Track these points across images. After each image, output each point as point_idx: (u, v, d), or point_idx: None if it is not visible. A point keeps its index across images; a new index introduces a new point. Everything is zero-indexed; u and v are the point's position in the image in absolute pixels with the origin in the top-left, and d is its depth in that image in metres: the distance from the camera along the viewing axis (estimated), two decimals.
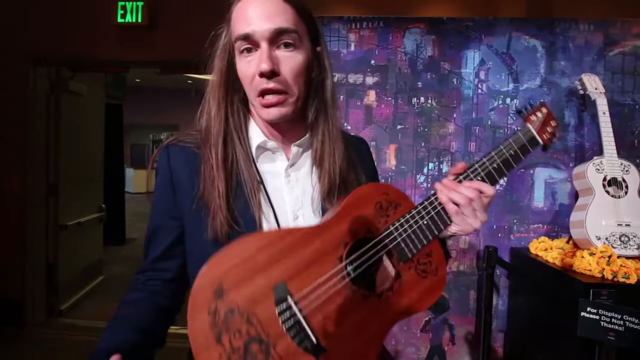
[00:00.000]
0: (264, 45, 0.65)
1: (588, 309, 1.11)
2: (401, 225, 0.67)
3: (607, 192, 1.49)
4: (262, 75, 0.65)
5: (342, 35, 1.92)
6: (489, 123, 1.87)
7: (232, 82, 0.72)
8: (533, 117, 0.79)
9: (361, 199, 0.67)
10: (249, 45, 0.66)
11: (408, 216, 0.68)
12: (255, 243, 0.60)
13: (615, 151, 1.54)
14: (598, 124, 1.59)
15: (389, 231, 0.67)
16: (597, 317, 1.10)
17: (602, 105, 1.60)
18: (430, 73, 1.89)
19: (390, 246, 0.67)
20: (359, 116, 1.92)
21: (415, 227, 0.68)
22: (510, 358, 1.82)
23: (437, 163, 1.89)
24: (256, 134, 0.74)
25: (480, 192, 0.67)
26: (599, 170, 1.53)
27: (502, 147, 0.73)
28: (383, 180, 1.91)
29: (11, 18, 2.90)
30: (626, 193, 1.49)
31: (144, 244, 0.77)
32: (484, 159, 0.72)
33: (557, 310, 1.44)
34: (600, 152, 1.58)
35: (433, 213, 0.69)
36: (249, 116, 0.75)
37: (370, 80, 1.91)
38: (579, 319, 1.11)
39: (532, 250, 1.69)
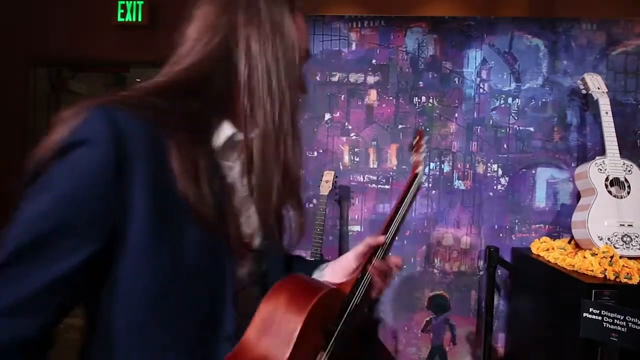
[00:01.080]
0: None
1: (590, 309, 1.10)
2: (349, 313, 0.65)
3: (610, 192, 1.49)
4: (306, 92, 0.67)
5: (343, 35, 1.91)
6: (491, 123, 1.86)
7: None
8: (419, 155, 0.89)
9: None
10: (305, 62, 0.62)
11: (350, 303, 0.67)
12: None
13: (618, 151, 1.54)
14: (600, 123, 1.58)
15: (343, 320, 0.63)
16: (600, 318, 1.09)
17: (605, 105, 1.59)
18: (432, 72, 1.88)
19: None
20: (360, 116, 1.91)
21: (355, 310, 0.67)
22: (512, 359, 1.81)
23: (438, 163, 1.88)
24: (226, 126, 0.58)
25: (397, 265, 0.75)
26: (601, 170, 1.52)
27: (406, 201, 0.82)
28: (384, 181, 1.90)
29: (11, 18, 2.89)
30: (628, 193, 1.48)
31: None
32: (395, 223, 0.82)
33: (558, 310, 1.43)
34: (602, 152, 1.57)
35: (363, 293, 0.70)
36: None
37: (371, 79, 1.91)
38: (581, 320, 1.10)
39: (534, 250, 1.68)
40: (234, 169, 0.58)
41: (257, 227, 0.63)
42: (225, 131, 0.56)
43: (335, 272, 0.76)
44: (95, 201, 0.46)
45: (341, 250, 1.91)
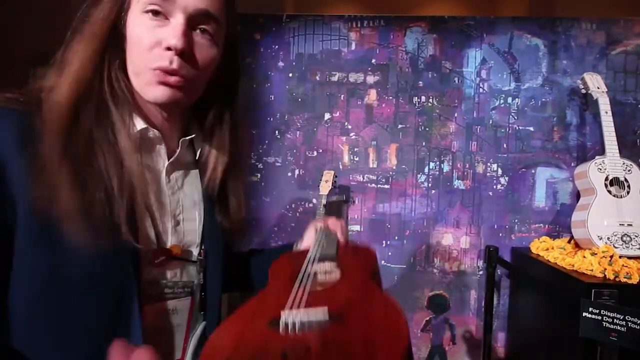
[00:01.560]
0: (180, 18, 0.53)
1: (590, 309, 1.10)
2: None
3: (609, 191, 1.49)
4: (169, 49, 0.52)
5: (342, 34, 1.91)
6: (491, 122, 1.86)
7: (112, 41, 0.55)
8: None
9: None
10: (157, 9, 0.53)
11: None
12: None
13: (618, 151, 1.54)
14: (600, 123, 1.58)
15: None
16: (599, 318, 1.09)
17: (604, 105, 1.59)
18: (432, 72, 1.88)
19: None
20: (359, 115, 1.91)
21: None
22: (512, 358, 1.81)
23: (438, 162, 1.88)
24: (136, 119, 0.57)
25: None
26: (600, 169, 1.52)
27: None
28: (383, 180, 1.90)
29: (11, 18, 2.89)
30: (628, 193, 1.48)
31: None
32: None
33: (558, 310, 1.43)
34: (602, 151, 1.57)
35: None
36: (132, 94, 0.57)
37: (371, 79, 1.91)
38: (580, 320, 1.10)
39: (534, 250, 1.68)
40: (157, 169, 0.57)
41: (197, 236, 0.62)
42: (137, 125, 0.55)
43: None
44: None
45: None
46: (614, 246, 1.39)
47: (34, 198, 0.44)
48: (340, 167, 1.92)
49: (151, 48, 0.53)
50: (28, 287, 0.46)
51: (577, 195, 1.68)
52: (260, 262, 0.79)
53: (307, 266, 0.57)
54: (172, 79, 0.54)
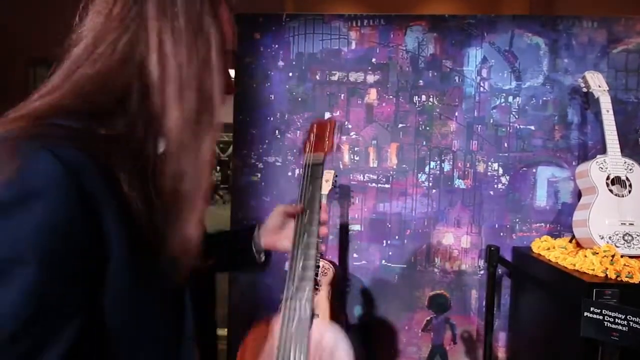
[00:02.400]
0: None
1: (591, 308, 1.10)
2: None
3: (611, 190, 1.48)
4: (233, 92, 0.59)
5: (342, 34, 1.91)
6: (491, 121, 1.86)
7: None
8: (307, 146, 0.88)
9: None
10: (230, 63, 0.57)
11: None
12: None
13: (619, 149, 1.53)
14: (601, 122, 1.57)
15: None
16: (601, 317, 1.09)
17: (606, 103, 1.58)
18: (432, 71, 1.88)
19: None
20: (360, 115, 1.91)
21: None
22: (512, 358, 1.81)
23: (438, 162, 1.88)
24: None
25: None
26: (602, 168, 1.51)
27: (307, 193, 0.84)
28: (384, 180, 1.90)
29: (11, 18, 2.90)
30: (630, 192, 1.47)
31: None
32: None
33: (559, 309, 1.43)
34: (603, 150, 1.57)
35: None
36: None
37: (371, 78, 1.90)
38: (581, 319, 1.10)
39: (535, 249, 1.68)
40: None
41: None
42: (159, 144, 0.50)
43: (267, 234, 0.85)
44: (74, 263, 0.39)
45: (342, 250, 1.91)
46: (615, 245, 1.39)
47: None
48: (341, 166, 1.91)
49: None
50: (117, 319, 0.46)
51: (578, 195, 1.67)
52: (220, 240, 0.85)
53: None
54: None
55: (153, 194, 0.47)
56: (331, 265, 1.68)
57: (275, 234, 0.84)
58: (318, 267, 1.62)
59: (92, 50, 0.47)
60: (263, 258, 0.86)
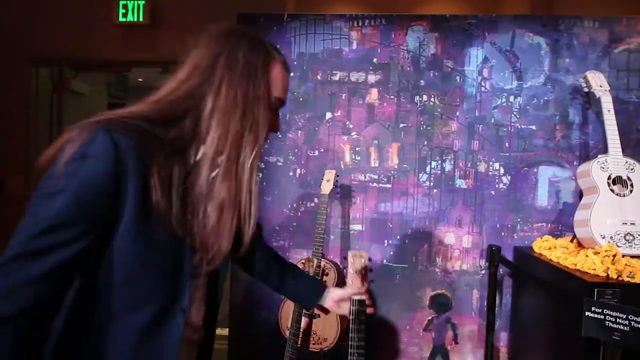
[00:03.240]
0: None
1: (592, 308, 1.10)
2: None
3: (612, 190, 1.48)
4: (276, 131, 0.80)
5: (344, 34, 1.91)
6: (492, 121, 1.86)
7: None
8: (348, 279, 1.08)
9: None
10: (279, 107, 0.78)
11: None
12: None
13: (620, 149, 1.53)
14: (603, 121, 1.57)
15: None
16: (602, 317, 1.09)
17: (607, 103, 1.58)
18: (433, 71, 1.88)
19: None
20: (361, 115, 1.91)
21: None
22: (514, 358, 1.81)
23: (439, 162, 1.88)
24: None
25: None
26: (603, 168, 1.51)
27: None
28: (385, 180, 1.90)
29: (13, 18, 2.90)
30: (631, 192, 1.47)
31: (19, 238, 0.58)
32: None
33: (561, 309, 1.43)
34: (604, 150, 1.57)
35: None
36: None
37: (372, 78, 1.91)
38: (583, 319, 1.10)
39: (536, 249, 1.68)
40: (198, 179, 0.70)
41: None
42: (200, 152, 0.70)
43: (332, 300, 1.06)
44: (98, 203, 0.60)
45: (342, 250, 1.91)
46: (616, 245, 1.39)
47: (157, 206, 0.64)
48: (342, 166, 1.92)
49: (269, 128, 0.78)
50: (123, 264, 0.64)
51: (579, 194, 1.67)
52: (285, 280, 1.06)
53: None
54: None
55: (179, 186, 0.66)
56: (333, 266, 1.68)
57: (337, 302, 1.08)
58: (320, 267, 1.63)
59: (178, 84, 0.69)
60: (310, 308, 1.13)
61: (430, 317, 1.88)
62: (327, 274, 1.65)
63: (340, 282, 1.67)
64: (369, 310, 1.08)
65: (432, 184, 1.88)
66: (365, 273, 1.11)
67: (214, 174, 0.68)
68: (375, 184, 1.91)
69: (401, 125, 1.90)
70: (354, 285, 1.07)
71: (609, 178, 1.50)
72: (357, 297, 1.06)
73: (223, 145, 0.68)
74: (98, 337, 0.64)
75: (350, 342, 1.10)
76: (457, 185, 1.87)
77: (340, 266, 1.79)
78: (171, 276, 0.69)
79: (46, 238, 0.57)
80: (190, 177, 0.68)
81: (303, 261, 1.66)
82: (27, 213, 0.59)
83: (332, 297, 1.06)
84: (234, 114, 0.68)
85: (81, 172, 0.58)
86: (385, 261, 1.90)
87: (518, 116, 1.85)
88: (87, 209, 0.59)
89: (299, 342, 1.55)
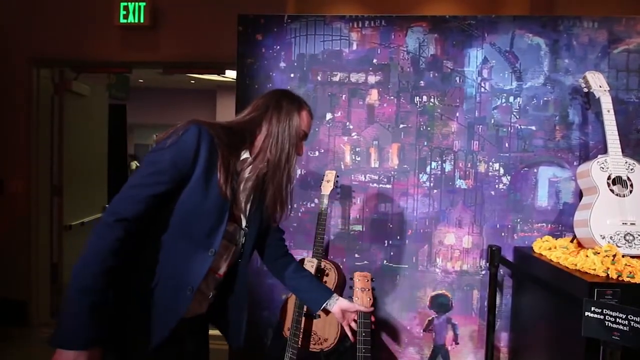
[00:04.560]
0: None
1: (592, 308, 1.10)
2: None
3: (612, 190, 1.48)
4: (301, 154, 1.14)
5: (344, 34, 1.92)
6: (492, 122, 1.86)
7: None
8: (355, 296, 1.30)
9: None
10: (304, 139, 1.15)
11: None
12: None
13: (620, 149, 1.53)
14: (602, 122, 1.58)
15: None
16: (602, 317, 1.09)
17: (607, 103, 1.59)
18: (433, 72, 1.88)
19: None
20: (361, 115, 1.92)
21: None
22: (514, 358, 1.81)
23: (439, 162, 1.88)
24: None
25: None
26: (603, 168, 1.52)
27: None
28: (385, 180, 1.91)
29: (14, 19, 2.91)
30: (631, 192, 1.47)
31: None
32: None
33: (561, 309, 1.43)
34: (604, 150, 1.57)
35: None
36: None
37: (372, 79, 1.91)
38: (583, 319, 1.10)
39: (536, 249, 1.68)
40: (244, 174, 1.08)
41: (245, 213, 1.12)
42: (244, 155, 1.07)
43: (339, 308, 1.27)
44: (184, 162, 0.94)
45: (343, 250, 1.91)
46: (616, 245, 1.39)
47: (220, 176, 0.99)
48: (342, 167, 1.92)
49: (298, 151, 1.14)
50: (186, 206, 0.96)
51: (579, 195, 1.67)
52: (294, 283, 1.30)
53: None
54: None
55: (233, 171, 1.02)
56: (333, 266, 1.68)
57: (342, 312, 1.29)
58: (320, 268, 1.63)
59: (246, 114, 1.10)
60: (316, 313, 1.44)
61: (430, 318, 1.89)
62: (327, 275, 1.65)
63: (341, 283, 1.67)
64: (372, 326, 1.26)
65: (432, 184, 1.89)
66: (369, 291, 1.29)
67: (251, 173, 1.07)
68: (375, 185, 1.91)
69: (401, 125, 1.90)
70: (360, 302, 1.27)
71: (608, 178, 1.50)
72: (363, 311, 1.24)
73: (264, 156, 1.05)
74: (158, 250, 0.97)
75: (357, 354, 1.25)
76: (457, 186, 1.88)
77: (341, 267, 1.79)
78: (213, 223, 0.99)
79: (152, 176, 0.92)
80: (239, 167, 1.05)
81: (303, 261, 1.66)
82: (143, 162, 0.95)
83: (340, 305, 1.26)
84: (277, 142, 1.05)
85: (177, 144, 0.93)
86: (385, 261, 1.90)
87: (518, 116, 1.85)
88: (176, 165, 0.92)
89: (299, 342, 1.55)
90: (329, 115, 1.93)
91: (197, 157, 0.94)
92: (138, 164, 10.22)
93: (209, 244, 0.99)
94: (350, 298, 1.32)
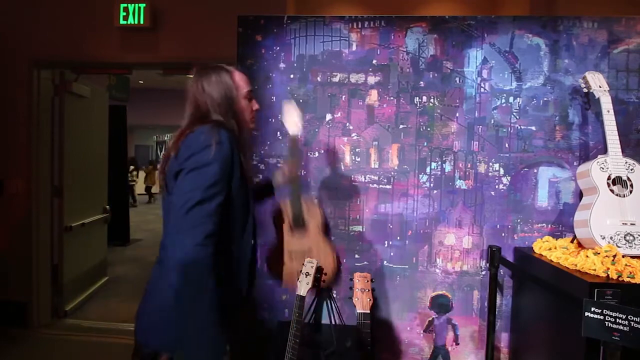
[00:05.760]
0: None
1: (592, 308, 1.10)
2: None
3: (612, 190, 1.48)
4: (257, 111, 1.34)
5: (343, 35, 1.92)
6: (492, 122, 1.86)
7: None
8: (355, 297, 1.48)
9: None
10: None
11: None
12: None
13: (620, 149, 1.53)
14: (602, 122, 1.58)
15: None
16: (602, 317, 1.09)
17: (606, 104, 1.59)
18: (433, 72, 1.88)
19: None
20: (361, 116, 1.92)
21: None
22: (514, 358, 1.81)
23: (439, 162, 1.88)
24: None
25: None
26: (603, 168, 1.52)
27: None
28: (385, 181, 1.91)
29: (14, 21, 2.92)
30: (631, 192, 1.47)
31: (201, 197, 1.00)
32: None
33: (561, 310, 1.43)
34: (604, 150, 1.57)
35: None
36: None
37: (372, 79, 1.91)
38: (583, 319, 1.10)
39: (536, 249, 1.68)
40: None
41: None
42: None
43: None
44: (227, 166, 1.06)
45: (343, 250, 1.91)
46: (617, 245, 1.39)
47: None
48: (342, 167, 1.92)
49: (250, 111, 1.29)
50: (237, 202, 1.12)
51: (579, 195, 1.67)
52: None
53: None
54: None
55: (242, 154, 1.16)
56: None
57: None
58: (319, 268, 1.63)
59: (201, 107, 1.20)
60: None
61: (430, 318, 1.88)
62: (325, 274, 1.65)
63: (340, 283, 1.67)
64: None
65: (432, 184, 1.89)
66: (369, 291, 1.36)
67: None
68: (375, 185, 1.91)
69: (401, 126, 1.90)
70: (360, 302, 1.35)
71: (608, 178, 1.50)
72: (362, 312, 1.30)
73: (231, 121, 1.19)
74: (223, 240, 1.07)
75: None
76: (457, 186, 1.88)
77: (341, 267, 1.79)
78: (247, 212, 1.18)
79: (211, 189, 1.01)
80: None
81: (303, 261, 1.66)
82: (190, 176, 1.01)
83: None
84: (224, 107, 1.18)
85: (222, 151, 1.04)
86: (385, 262, 1.90)
87: (518, 117, 1.85)
88: (224, 171, 1.04)
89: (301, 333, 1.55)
90: (328, 116, 1.93)
91: (233, 159, 1.08)
92: (135, 169, 10.19)
93: (245, 227, 1.19)
94: (350, 299, 1.32)
